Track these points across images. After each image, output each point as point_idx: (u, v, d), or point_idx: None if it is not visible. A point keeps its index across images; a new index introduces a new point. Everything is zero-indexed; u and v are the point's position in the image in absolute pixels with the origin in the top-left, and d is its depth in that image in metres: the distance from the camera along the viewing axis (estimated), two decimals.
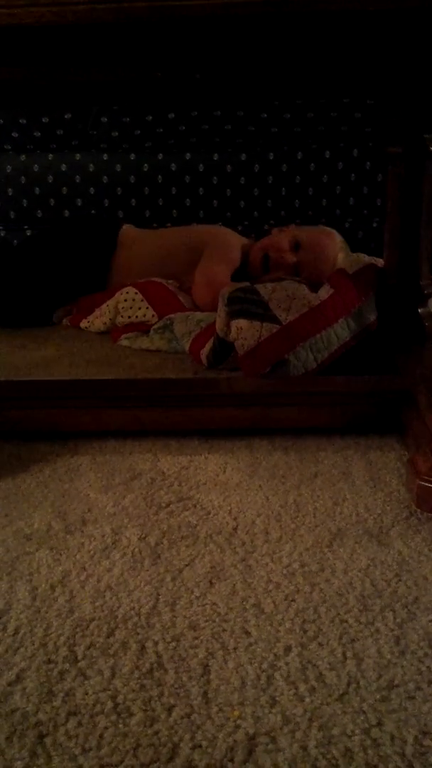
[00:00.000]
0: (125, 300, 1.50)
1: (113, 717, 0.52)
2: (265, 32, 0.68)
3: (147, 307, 1.47)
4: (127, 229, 1.71)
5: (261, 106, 1.88)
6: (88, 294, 1.63)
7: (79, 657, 0.58)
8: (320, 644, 0.58)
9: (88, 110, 1.95)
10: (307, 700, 0.52)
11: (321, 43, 0.72)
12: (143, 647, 0.59)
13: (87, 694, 0.54)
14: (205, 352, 1.29)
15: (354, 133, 1.94)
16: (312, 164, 1.94)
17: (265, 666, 0.56)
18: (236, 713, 0.52)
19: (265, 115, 1.91)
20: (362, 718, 0.51)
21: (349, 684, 0.54)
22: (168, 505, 0.82)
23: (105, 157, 1.99)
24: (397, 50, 0.74)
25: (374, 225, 1.92)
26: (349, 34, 0.70)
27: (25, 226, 2.04)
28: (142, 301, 1.48)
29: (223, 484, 0.87)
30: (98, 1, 0.61)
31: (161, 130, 1.97)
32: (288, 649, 0.58)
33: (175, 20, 0.62)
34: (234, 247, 1.59)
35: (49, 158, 2.00)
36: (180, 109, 1.91)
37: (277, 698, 0.53)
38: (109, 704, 0.53)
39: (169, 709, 0.52)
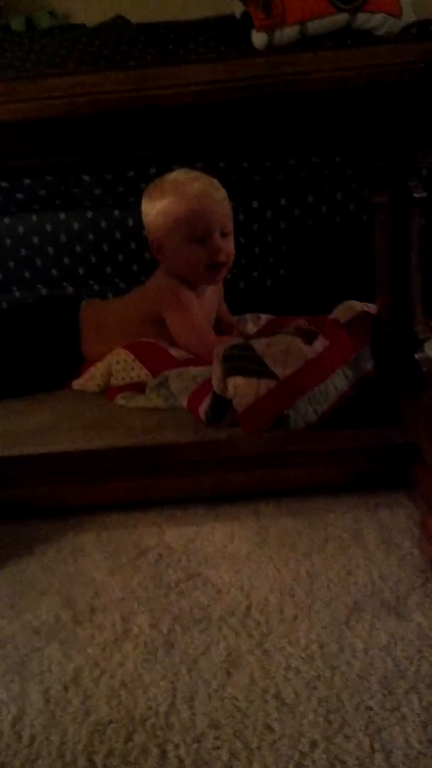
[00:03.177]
0: (118, 362, 1.49)
1: None
2: (248, 110, 0.67)
3: (140, 368, 1.46)
4: (88, 303, 1.70)
5: (243, 158, 1.89)
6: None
7: (99, 767, 0.56)
8: (346, 737, 0.56)
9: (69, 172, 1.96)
10: None
11: (299, 115, 0.71)
12: (164, 751, 0.57)
13: None
14: (203, 409, 1.28)
15: (336, 176, 1.94)
16: (296, 210, 1.95)
17: (291, 766, 0.54)
18: None
19: (246, 165, 1.92)
20: None
21: None
22: (177, 584, 0.80)
23: (89, 214, 1.99)
24: (377, 112, 0.74)
25: (363, 266, 1.92)
26: (329, 104, 0.70)
27: (13, 288, 2.04)
28: (134, 362, 1.47)
29: (232, 556, 0.85)
30: (75, 94, 0.61)
31: (144, 185, 1.97)
32: (314, 745, 0.56)
33: (152, 109, 0.62)
34: (179, 290, 1.57)
35: (33, 219, 2.00)
36: (160, 166, 1.92)
37: None
38: None
39: None
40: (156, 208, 1.54)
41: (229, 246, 1.56)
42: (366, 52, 0.60)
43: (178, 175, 1.56)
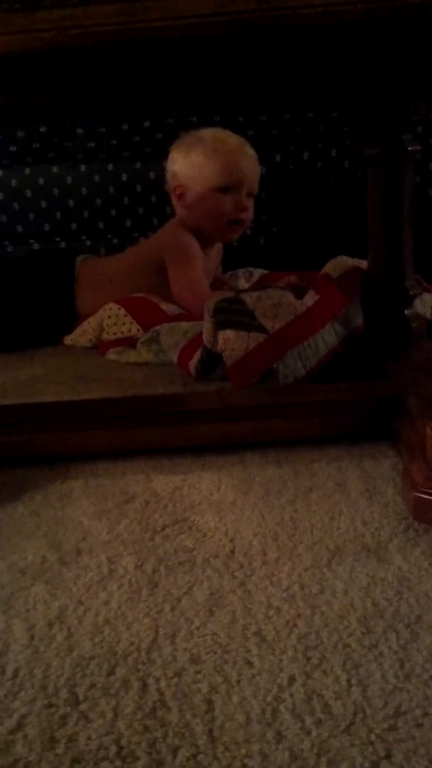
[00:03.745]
0: (109, 317, 1.49)
1: (118, 762, 0.51)
2: (239, 48, 0.66)
3: (132, 322, 1.46)
4: (84, 261, 1.69)
5: (237, 111, 1.87)
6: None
7: (81, 699, 0.57)
8: (324, 672, 0.58)
9: (62, 122, 1.94)
10: (314, 733, 0.52)
11: (293, 54, 0.71)
12: (145, 685, 0.58)
13: (90, 738, 0.53)
14: (193, 363, 1.28)
15: (331, 132, 1.93)
16: (291, 166, 1.94)
17: (269, 699, 0.55)
18: (243, 751, 0.51)
19: (241, 119, 1.90)
20: (370, 750, 0.50)
21: (355, 714, 0.53)
22: (163, 529, 0.81)
23: (82, 168, 1.97)
24: (370, 55, 0.73)
25: (356, 224, 1.91)
26: (323, 44, 0.69)
27: (6, 242, 2.03)
28: (126, 316, 1.47)
29: (217, 503, 0.86)
30: (64, 27, 0.60)
31: (138, 138, 1.96)
32: (292, 679, 0.57)
33: (144, 42, 0.61)
34: (190, 242, 1.58)
35: (26, 172, 1.98)
36: (155, 118, 1.90)
37: (283, 733, 0.52)
38: (113, 749, 0.52)
39: (174, 751, 0.51)
40: (188, 157, 1.56)
41: (251, 206, 1.58)
42: None
43: (214, 130, 1.59)
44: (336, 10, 0.59)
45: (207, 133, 1.58)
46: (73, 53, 0.61)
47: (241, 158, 1.54)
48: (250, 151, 1.57)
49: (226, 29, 0.60)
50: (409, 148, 1.05)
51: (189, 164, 1.57)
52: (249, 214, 1.59)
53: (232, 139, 1.56)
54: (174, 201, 1.62)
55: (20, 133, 1.97)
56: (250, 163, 1.56)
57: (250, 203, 1.59)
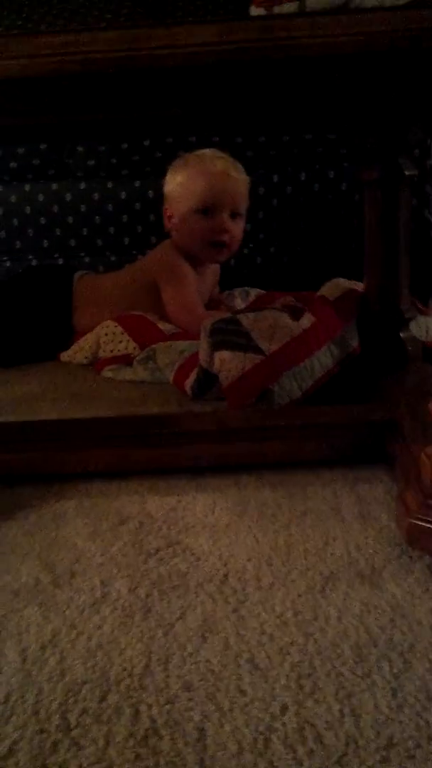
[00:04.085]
0: (106, 334, 1.49)
1: None
2: (238, 76, 0.67)
3: (128, 340, 1.46)
4: (82, 278, 1.69)
5: (234, 132, 1.88)
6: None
7: (72, 725, 0.57)
8: (317, 701, 0.57)
9: (63, 140, 1.95)
10: (306, 764, 0.51)
11: (293, 82, 0.71)
12: (137, 712, 0.58)
13: (81, 766, 0.53)
14: (189, 382, 1.28)
15: (329, 154, 1.94)
16: (288, 187, 1.95)
17: (261, 728, 0.55)
18: None
19: (240, 140, 1.92)
20: None
21: (347, 744, 0.53)
22: (157, 552, 0.81)
23: (82, 185, 1.98)
24: (368, 83, 0.74)
25: (353, 246, 1.92)
26: (322, 73, 0.70)
27: (4, 258, 2.03)
28: (122, 334, 1.48)
29: (212, 526, 0.86)
30: (66, 53, 0.61)
31: (137, 157, 1.97)
32: (284, 708, 0.57)
33: (142, 70, 0.61)
34: (180, 263, 1.58)
35: (26, 189, 1.99)
36: (155, 137, 1.91)
37: (275, 763, 0.52)
38: None
39: None
40: (176, 179, 1.57)
41: (236, 229, 1.58)
42: (361, 18, 0.59)
43: (205, 151, 1.59)
44: (336, 42, 0.59)
45: (195, 155, 1.59)
46: (75, 78, 0.62)
47: (223, 180, 1.53)
48: (235, 173, 1.56)
49: (227, 58, 0.60)
50: (407, 173, 1.06)
51: (175, 185, 1.58)
52: (233, 236, 1.58)
53: (219, 161, 1.55)
54: (165, 222, 1.63)
55: (20, 150, 1.98)
56: (233, 185, 1.55)
57: (235, 225, 1.58)
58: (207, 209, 1.53)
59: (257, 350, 1.15)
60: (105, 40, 0.59)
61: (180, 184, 1.56)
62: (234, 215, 1.57)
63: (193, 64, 0.60)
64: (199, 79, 0.64)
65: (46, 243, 2.03)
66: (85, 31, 0.59)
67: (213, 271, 1.72)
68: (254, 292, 1.76)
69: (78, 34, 0.59)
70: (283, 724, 0.55)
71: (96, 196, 1.98)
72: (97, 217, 2.00)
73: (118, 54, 0.60)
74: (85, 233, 2.02)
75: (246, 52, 0.60)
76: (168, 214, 1.61)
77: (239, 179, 1.57)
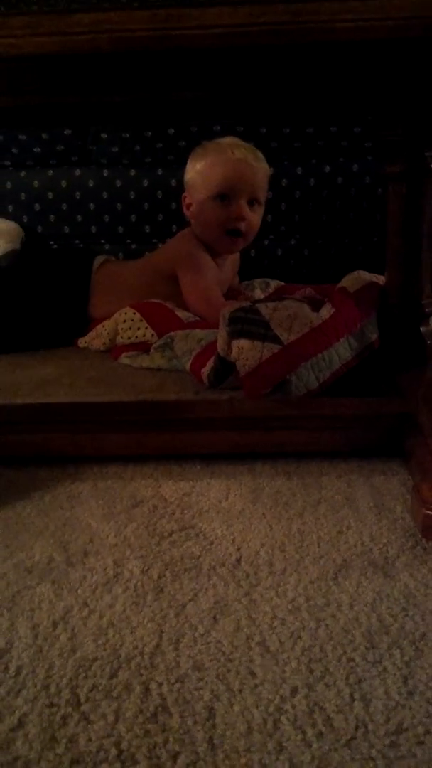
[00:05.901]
0: (124, 321, 1.49)
1: (117, 765, 0.51)
2: (269, 58, 0.67)
3: (146, 327, 1.46)
4: (101, 265, 1.69)
5: (260, 122, 1.88)
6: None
7: (82, 700, 0.57)
8: (327, 685, 0.57)
9: (87, 126, 1.95)
10: (315, 745, 0.51)
11: (320, 67, 0.71)
12: (147, 689, 0.58)
13: (90, 740, 0.53)
14: (206, 371, 1.28)
15: (353, 147, 1.93)
16: (312, 179, 1.94)
17: (271, 709, 0.55)
18: (243, 761, 0.50)
19: (264, 130, 1.91)
20: (371, 765, 0.50)
21: (357, 728, 0.53)
22: (170, 535, 0.81)
23: (105, 173, 1.98)
24: (398, 72, 0.74)
25: (374, 240, 1.92)
26: (351, 58, 0.69)
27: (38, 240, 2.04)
28: (141, 321, 1.48)
29: (225, 511, 0.86)
30: (98, 30, 0.61)
31: (161, 145, 1.97)
32: (294, 691, 0.57)
33: (173, 50, 0.61)
34: (198, 252, 1.57)
35: (49, 174, 2.00)
36: (179, 125, 1.91)
37: (284, 744, 0.52)
38: (113, 751, 0.52)
39: (174, 757, 0.51)
40: (195, 166, 1.56)
41: (253, 217, 1.56)
42: (393, 3, 0.59)
43: (225, 139, 1.58)
44: (366, 26, 0.59)
45: (215, 143, 1.58)
46: (105, 57, 0.62)
47: (241, 167, 1.52)
48: (255, 162, 1.54)
49: (257, 41, 0.60)
50: None
51: (194, 173, 1.57)
52: (250, 225, 1.57)
53: (238, 149, 1.54)
54: (183, 210, 1.63)
55: (45, 135, 1.98)
56: (251, 173, 1.53)
57: (252, 213, 1.56)
58: (224, 195, 1.52)
59: (275, 340, 1.15)
60: (137, 19, 0.59)
61: (199, 172, 1.56)
62: (252, 203, 1.56)
63: (224, 45, 0.60)
64: (228, 60, 0.64)
65: (67, 229, 2.03)
66: (117, 10, 0.59)
67: (232, 261, 1.71)
68: (274, 284, 1.75)
69: (110, 12, 0.59)
70: (293, 706, 0.55)
71: (118, 183, 1.99)
72: (118, 204, 2.00)
73: (149, 33, 0.60)
74: (106, 220, 2.02)
75: (276, 34, 0.59)
76: (187, 202, 1.61)
77: (258, 168, 1.55)
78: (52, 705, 0.57)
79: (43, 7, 1.91)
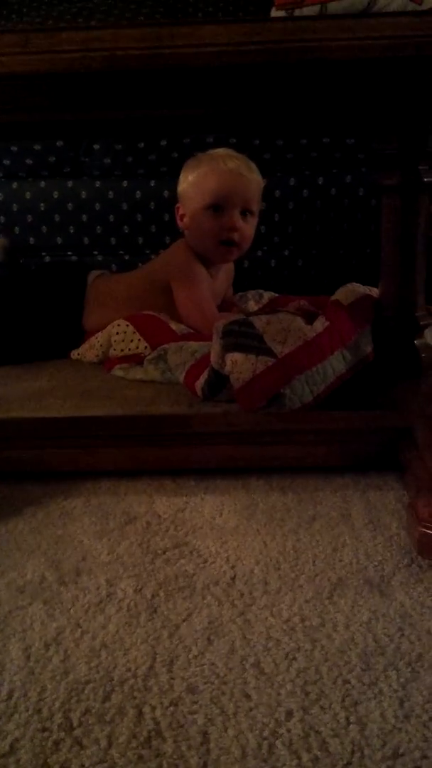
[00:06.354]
0: (117, 333, 1.49)
1: None
2: (263, 76, 0.67)
3: (140, 339, 1.46)
4: (96, 279, 1.68)
5: (254, 134, 1.88)
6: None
7: (75, 724, 0.56)
8: (322, 708, 0.57)
9: (79, 139, 1.95)
10: None
11: (317, 85, 0.71)
12: (140, 713, 0.57)
13: (83, 766, 0.52)
14: (199, 384, 1.27)
15: (347, 159, 1.93)
16: (305, 190, 1.94)
17: (266, 733, 0.54)
18: None
19: (258, 142, 1.91)
20: None
21: (353, 753, 0.52)
22: (164, 552, 0.81)
23: (97, 184, 1.98)
24: (392, 88, 0.73)
25: (368, 251, 1.92)
26: (346, 76, 0.69)
27: (18, 254, 2.03)
28: (134, 333, 1.47)
29: (219, 528, 0.85)
30: (90, 49, 0.60)
31: (153, 157, 1.97)
32: (290, 714, 0.56)
33: (166, 68, 0.61)
34: (192, 263, 1.57)
35: (41, 185, 1.99)
36: (172, 137, 1.91)
37: None
38: None
39: None
40: (188, 177, 1.56)
41: (246, 228, 1.56)
42: (387, 22, 0.59)
43: (218, 150, 1.58)
44: (361, 45, 0.59)
45: (208, 154, 1.58)
46: (97, 76, 0.62)
47: (234, 178, 1.52)
48: (247, 173, 1.54)
49: (252, 60, 0.60)
50: (426, 179, 1.05)
51: (187, 184, 1.57)
52: (243, 235, 1.57)
53: (231, 160, 1.54)
54: (177, 221, 1.63)
55: (37, 147, 1.98)
56: (244, 184, 1.53)
57: (245, 224, 1.56)
58: (217, 206, 1.52)
59: (269, 353, 1.14)
60: (128, 38, 0.59)
61: (192, 183, 1.56)
62: (245, 213, 1.56)
63: (217, 64, 0.60)
64: (221, 78, 0.64)
65: (59, 240, 2.03)
66: (108, 28, 0.59)
67: (226, 272, 1.71)
68: (267, 295, 1.75)
69: (101, 30, 0.59)
70: (288, 730, 0.55)
71: (111, 194, 1.98)
72: (111, 215, 2.00)
73: (141, 52, 0.60)
74: (99, 231, 2.01)
75: (269, 53, 0.59)
76: (180, 213, 1.61)
77: (251, 179, 1.55)
78: (44, 729, 0.56)
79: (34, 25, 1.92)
